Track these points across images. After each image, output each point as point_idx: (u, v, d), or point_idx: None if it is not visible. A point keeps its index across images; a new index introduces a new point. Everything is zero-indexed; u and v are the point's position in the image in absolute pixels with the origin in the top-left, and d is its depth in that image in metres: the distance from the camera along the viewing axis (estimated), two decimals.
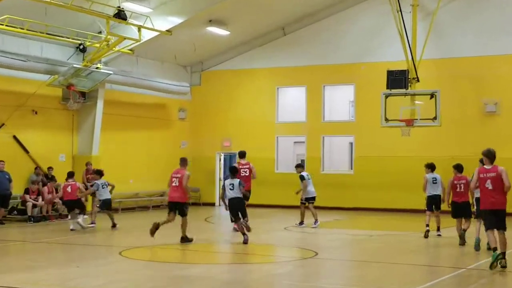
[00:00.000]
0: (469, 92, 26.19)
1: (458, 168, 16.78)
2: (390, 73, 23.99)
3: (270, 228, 20.63)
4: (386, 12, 25.40)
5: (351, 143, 29.44)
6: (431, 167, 18.37)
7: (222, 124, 30.49)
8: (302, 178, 20.53)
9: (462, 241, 16.10)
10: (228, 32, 27.87)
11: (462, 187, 16.32)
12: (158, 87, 27.99)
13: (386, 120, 23.89)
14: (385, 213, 26.10)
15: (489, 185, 12.95)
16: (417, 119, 23.56)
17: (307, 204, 20.43)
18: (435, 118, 23.35)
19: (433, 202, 18.05)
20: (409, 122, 23.56)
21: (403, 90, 23.87)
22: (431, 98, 23.55)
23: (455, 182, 16.45)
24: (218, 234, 19.86)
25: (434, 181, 18.07)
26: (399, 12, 24.27)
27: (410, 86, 24.16)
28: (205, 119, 30.84)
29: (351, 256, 15.53)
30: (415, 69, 24.34)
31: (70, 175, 20.22)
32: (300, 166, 21.16)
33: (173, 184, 16.61)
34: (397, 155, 27.10)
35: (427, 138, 26.15)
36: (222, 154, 31.46)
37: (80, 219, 19.40)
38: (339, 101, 31.09)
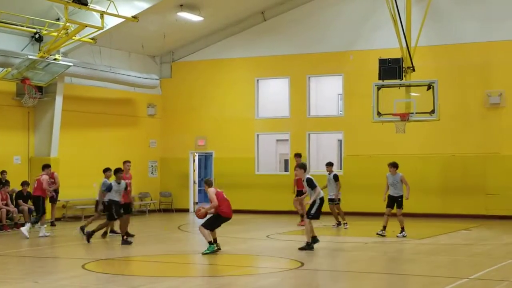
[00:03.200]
0: (471, 82, 26.32)
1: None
2: (382, 62, 24.01)
3: (251, 237, 20.60)
4: None
5: (340, 141, 29.49)
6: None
7: (196, 121, 30.43)
8: (337, 177, 22.18)
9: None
10: (201, 18, 27.80)
11: None
12: (123, 80, 27.87)
13: (379, 114, 23.91)
14: (379, 218, 26.12)
15: None
16: (413, 113, 23.59)
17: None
18: (432, 111, 23.40)
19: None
20: (404, 116, 23.60)
21: (397, 81, 23.91)
22: (428, 89, 23.61)
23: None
24: (192, 243, 19.79)
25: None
26: None
27: (404, 76, 24.18)
28: (176, 115, 30.77)
29: (341, 266, 15.54)
30: (410, 57, 24.38)
31: (44, 167, 20.94)
32: (331, 165, 22.17)
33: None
34: (391, 154, 27.05)
35: (425, 134, 26.26)
36: (197, 154, 31.41)
37: (26, 226, 20.04)
38: (326, 94, 31.18)
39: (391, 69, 23.88)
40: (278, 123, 29.57)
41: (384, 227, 20.08)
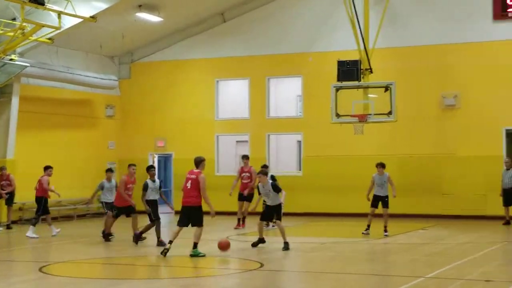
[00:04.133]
0: (427, 84, 26.67)
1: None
2: (340, 64, 24.20)
3: (210, 238, 20.61)
4: None
5: (299, 142, 29.65)
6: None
7: (155, 122, 30.37)
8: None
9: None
10: (160, 19, 27.76)
11: None
12: (81, 81, 27.71)
13: (337, 115, 24.10)
14: (338, 218, 26.37)
15: None
16: (370, 114, 23.84)
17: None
18: (390, 113, 23.66)
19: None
20: (362, 118, 23.83)
21: (355, 83, 24.13)
22: (385, 91, 23.86)
23: None
24: (153, 245, 19.73)
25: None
26: None
27: (362, 78, 24.42)
28: (135, 116, 30.66)
29: (300, 266, 15.67)
30: (368, 59, 24.63)
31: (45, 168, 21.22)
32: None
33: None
34: (350, 155, 27.40)
35: (382, 135, 26.53)
36: (156, 156, 31.34)
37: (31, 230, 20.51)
38: (286, 95, 31.31)
39: (349, 70, 24.08)
40: (237, 124, 29.64)
41: (369, 226, 20.49)
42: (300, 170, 29.13)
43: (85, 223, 26.00)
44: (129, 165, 20.27)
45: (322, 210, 27.39)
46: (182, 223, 16.55)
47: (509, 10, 25.54)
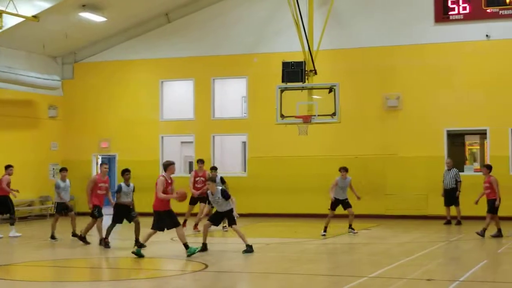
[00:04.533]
0: (370, 85, 26.97)
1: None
2: (285, 65, 24.35)
3: (155, 240, 20.50)
4: None
5: (244, 143, 29.71)
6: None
7: (99, 123, 30.11)
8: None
9: None
10: (104, 19, 27.54)
11: None
12: (23, 81, 27.31)
13: (282, 116, 24.23)
14: (284, 218, 26.51)
15: None
16: (315, 115, 24.03)
17: None
18: (334, 114, 23.87)
19: None
20: (307, 119, 24.01)
21: (299, 84, 24.31)
22: (329, 92, 24.06)
23: None
24: (96, 247, 19.57)
25: None
26: None
27: (307, 79, 24.62)
28: (79, 117, 30.36)
29: (245, 267, 15.70)
30: (312, 60, 24.83)
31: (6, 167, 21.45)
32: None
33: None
34: (294, 155, 27.55)
35: (327, 136, 26.73)
36: (100, 157, 31.07)
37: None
38: (231, 96, 31.35)
39: (294, 72, 24.24)
40: (182, 125, 29.55)
41: (325, 228, 20.68)
42: (244, 171, 29.20)
43: (28, 225, 25.60)
44: (101, 164, 20.00)
45: (267, 211, 27.49)
46: (155, 227, 16.64)
47: (450, 13, 25.99)
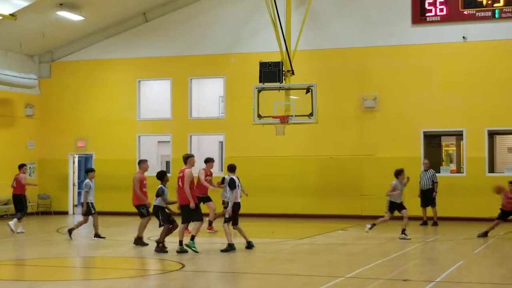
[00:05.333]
0: (348, 86, 26.97)
1: None
2: (262, 65, 24.32)
3: (130, 239, 20.40)
4: None
5: (221, 142, 29.62)
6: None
7: (76, 122, 29.89)
8: None
9: None
10: (82, 18, 27.34)
11: None
12: (0, 80, 27.08)
13: (259, 116, 24.19)
14: (260, 218, 26.44)
15: None
16: (292, 116, 24.00)
17: None
18: (311, 114, 23.87)
19: None
20: (284, 119, 23.97)
21: (277, 84, 24.28)
22: (307, 92, 24.05)
23: None
24: (71, 246, 19.42)
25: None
26: None
27: (284, 79, 24.58)
28: (56, 116, 30.12)
29: (222, 267, 15.62)
30: (289, 60, 24.80)
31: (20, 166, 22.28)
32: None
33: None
34: (271, 156, 27.50)
35: (304, 136, 26.71)
36: (77, 156, 30.86)
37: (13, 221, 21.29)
38: (208, 96, 31.25)
39: (271, 72, 24.20)
40: (159, 125, 29.41)
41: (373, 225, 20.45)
42: (222, 171, 29.07)
43: (2, 224, 25.34)
44: (144, 161, 19.64)
45: (243, 211, 27.11)
46: (184, 220, 16.93)
47: (427, 14, 26.06)
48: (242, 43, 28.11)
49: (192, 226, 17.16)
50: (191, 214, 16.72)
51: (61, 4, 26.08)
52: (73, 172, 30.39)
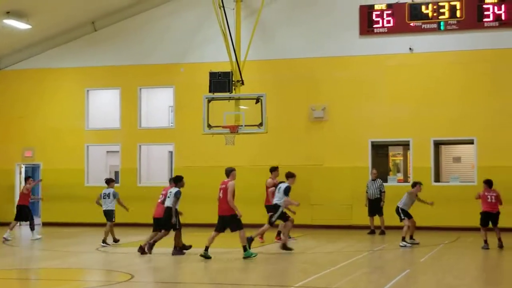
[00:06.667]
0: (297, 96, 27.13)
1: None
2: (212, 75, 24.38)
3: (80, 250, 20.24)
4: (207, 8, 25.82)
5: (171, 152, 29.53)
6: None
7: (23, 131, 29.52)
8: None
9: None
10: (29, 26, 27.04)
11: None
12: None
13: (209, 126, 24.20)
14: (211, 228, 26.28)
15: None
16: (242, 126, 24.06)
17: None
18: (261, 124, 23.96)
19: None
20: (233, 129, 24.02)
21: (226, 94, 24.34)
22: (256, 102, 24.13)
23: None
24: (19, 258, 19.17)
25: None
26: (222, 8, 24.76)
27: (234, 89, 24.66)
28: (2, 126, 29.76)
29: (172, 277, 15.56)
30: (239, 71, 24.90)
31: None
32: None
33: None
34: (221, 165, 27.27)
35: (254, 146, 26.77)
36: (23, 166, 30.45)
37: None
38: (157, 106, 31.15)
39: (221, 82, 24.27)
40: (108, 134, 29.19)
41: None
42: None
43: None
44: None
45: (194, 220, 27.28)
46: (218, 228, 17.72)
47: (374, 26, 26.39)
48: (192, 53, 28.10)
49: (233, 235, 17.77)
50: (235, 223, 17.35)
51: (7, 12, 25.79)
52: (20, 183, 29.95)
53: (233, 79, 24.59)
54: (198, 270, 16.23)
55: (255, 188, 26.97)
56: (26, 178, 23.97)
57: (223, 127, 24.12)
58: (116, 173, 29.80)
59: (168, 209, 18.41)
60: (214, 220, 26.79)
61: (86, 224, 27.48)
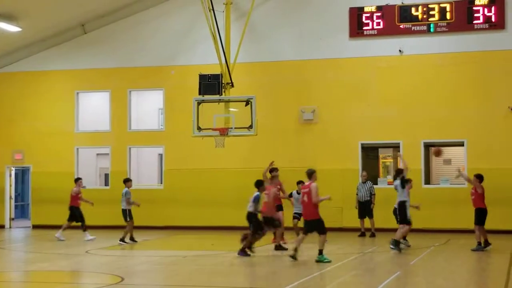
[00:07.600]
0: (287, 99, 27.13)
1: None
2: (202, 78, 24.34)
3: (70, 252, 20.17)
4: (197, 11, 25.79)
5: (161, 155, 29.48)
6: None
7: (13, 134, 29.42)
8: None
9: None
10: (19, 29, 26.96)
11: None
12: None
13: (199, 129, 24.17)
14: (201, 231, 26.37)
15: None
16: (231, 128, 24.04)
17: None
18: (250, 126, 23.96)
19: None
20: (223, 131, 23.99)
21: (216, 96, 24.31)
22: (246, 105, 24.13)
23: None
24: (8, 260, 19.09)
25: None
26: (212, 11, 24.73)
27: (224, 92, 24.64)
28: None
29: (162, 280, 15.53)
30: (229, 73, 24.87)
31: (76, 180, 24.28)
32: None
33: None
34: (211, 168, 27.46)
35: (244, 148, 26.75)
36: (13, 169, 30.36)
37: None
38: (147, 108, 31.12)
39: (211, 84, 24.24)
40: (98, 137, 29.11)
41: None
42: (161, 183, 28.95)
43: None
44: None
45: (183, 223, 27.31)
46: (305, 231, 17.73)
47: (364, 28, 26.41)
48: (181, 55, 28.07)
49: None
50: (320, 227, 17.40)
51: None
52: (10, 185, 29.85)
53: (223, 82, 24.55)
54: (185, 273, 16.17)
55: (245, 190, 26.91)
56: (76, 180, 24.49)
57: (213, 129, 24.09)
58: (106, 175, 29.75)
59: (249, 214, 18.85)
60: (203, 222, 26.95)
61: (77, 227, 27.34)
